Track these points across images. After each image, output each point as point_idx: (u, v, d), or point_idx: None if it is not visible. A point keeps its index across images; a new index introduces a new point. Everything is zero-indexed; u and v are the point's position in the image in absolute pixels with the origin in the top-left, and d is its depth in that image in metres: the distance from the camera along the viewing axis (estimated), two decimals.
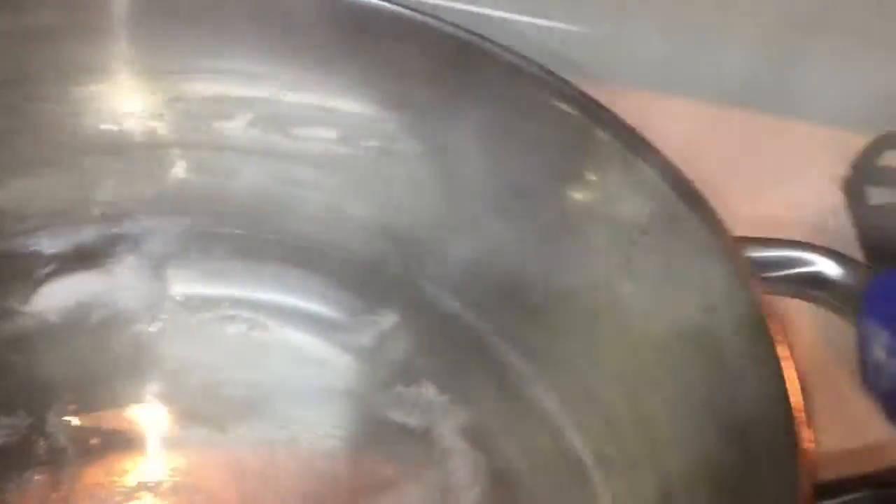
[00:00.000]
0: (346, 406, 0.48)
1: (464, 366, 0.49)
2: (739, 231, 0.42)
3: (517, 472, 0.47)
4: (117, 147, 0.48)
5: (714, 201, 0.56)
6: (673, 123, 0.57)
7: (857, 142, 0.60)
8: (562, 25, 0.60)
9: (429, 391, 0.48)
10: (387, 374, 0.48)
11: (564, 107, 0.44)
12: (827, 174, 0.61)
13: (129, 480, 0.45)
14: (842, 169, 0.61)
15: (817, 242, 0.44)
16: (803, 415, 0.36)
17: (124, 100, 0.48)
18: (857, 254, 0.57)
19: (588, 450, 0.47)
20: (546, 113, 0.45)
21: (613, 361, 0.46)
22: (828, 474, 0.38)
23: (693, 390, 0.42)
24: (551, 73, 0.44)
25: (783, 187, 0.59)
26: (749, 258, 0.40)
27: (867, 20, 0.61)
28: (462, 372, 0.49)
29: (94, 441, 0.45)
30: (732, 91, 0.62)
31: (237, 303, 0.49)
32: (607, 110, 0.43)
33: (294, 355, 0.49)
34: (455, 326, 0.50)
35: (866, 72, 0.62)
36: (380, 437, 0.47)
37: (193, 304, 0.49)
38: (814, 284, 0.42)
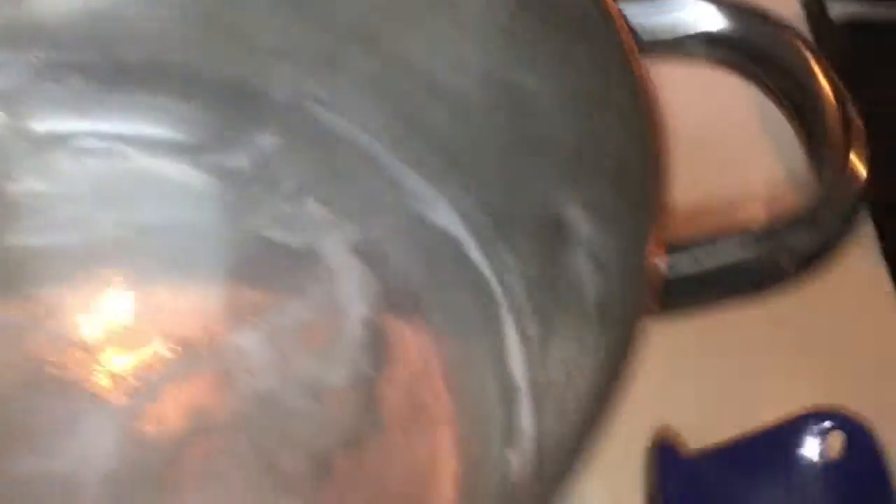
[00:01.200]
0: (223, 231, 0.45)
1: (352, 184, 0.46)
2: None
3: (411, 290, 0.44)
4: None
5: None
6: None
7: None
8: None
9: (311, 208, 0.45)
10: (265, 194, 0.46)
11: None
12: None
13: None
14: None
15: None
16: (664, 165, 0.34)
17: None
18: None
19: (488, 263, 0.44)
20: None
21: (511, 162, 0.43)
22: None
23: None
24: None
25: None
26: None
27: None
28: (349, 190, 0.46)
29: None
30: None
31: (93, 135, 0.45)
32: None
33: (162, 186, 0.46)
34: (343, 145, 0.47)
35: None
36: (261, 259, 0.45)
37: (47, 140, 0.45)
38: (694, 38, 0.39)
